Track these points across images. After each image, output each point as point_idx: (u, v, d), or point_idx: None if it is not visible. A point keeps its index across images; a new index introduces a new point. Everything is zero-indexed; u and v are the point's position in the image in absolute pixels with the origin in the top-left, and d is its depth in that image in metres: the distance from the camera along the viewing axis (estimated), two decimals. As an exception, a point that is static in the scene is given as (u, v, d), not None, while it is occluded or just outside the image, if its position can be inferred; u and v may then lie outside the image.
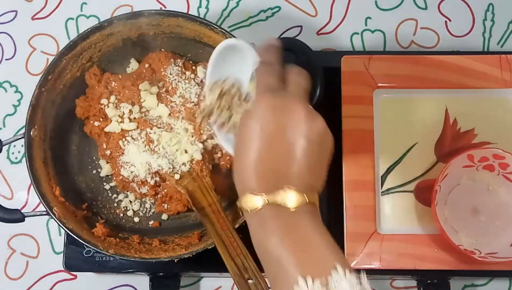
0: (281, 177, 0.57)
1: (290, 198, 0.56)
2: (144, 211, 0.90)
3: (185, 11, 1.01)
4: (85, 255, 0.88)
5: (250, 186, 0.57)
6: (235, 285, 0.75)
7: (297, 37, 0.98)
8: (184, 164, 0.84)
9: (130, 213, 0.89)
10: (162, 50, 0.90)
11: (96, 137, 0.88)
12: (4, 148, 0.82)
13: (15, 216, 0.79)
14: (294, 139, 0.58)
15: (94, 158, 0.91)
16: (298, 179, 0.57)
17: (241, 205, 0.58)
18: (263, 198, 0.56)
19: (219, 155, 0.87)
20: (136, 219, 0.89)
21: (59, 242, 0.94)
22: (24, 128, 0.81)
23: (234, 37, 0.82)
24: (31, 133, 0.81)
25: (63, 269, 0.90)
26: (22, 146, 0.94)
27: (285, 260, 0.54)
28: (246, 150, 0.58)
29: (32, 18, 1.03)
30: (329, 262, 0.53)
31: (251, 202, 0.57)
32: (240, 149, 0.60)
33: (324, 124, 0.60)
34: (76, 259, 0.89)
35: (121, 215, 0.89)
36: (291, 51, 0.79)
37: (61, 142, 0.88)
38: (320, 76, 0.78)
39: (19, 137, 0.81)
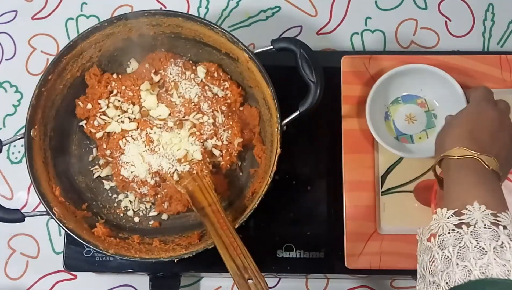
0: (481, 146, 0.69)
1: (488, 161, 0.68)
2: (144, 211, 0.90)
3: (185, 11, 1.01)
4: (85, 255, 0.88)
5: (464, 144, 0.69)
6: (235, 285, 0.75)
7: (297, 37, 0.98)
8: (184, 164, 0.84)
9: (130, 213, 0.89)
10: (162, 50, 0.90)
11: (96, 137, 0.88)
12: (4, 148, 0.82)
13: (15, 216, 0.79)
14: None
15: (94, 158, 0.91)
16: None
17: (449, 154, 0.69)
18: (472, 153, 0.68)
19: (218, 155, 0.87)
20: (136, 219, 0.89)
21: (59, 242, 0.94)
22: (24, 128, 0.81)
23: (234, 36, 0.82)
24: (31, 133, 0.81)
25: (63, 269, 0.90)
26: (22, 146, 0.94)
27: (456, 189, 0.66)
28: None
29: (32, 18, 1.03)
30: (471, 199, 0.62)
31: (461, 152, 0.68)
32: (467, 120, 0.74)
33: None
34: (76, 259, 0.89)
35: (121, 215, 0.89)
36: (291, 51, 0.79)
37: (61, 142, 0.88)
38: (320, 76, 0.78)
39: (19, 137, 0.82)
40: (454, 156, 0.69)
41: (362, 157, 0.86)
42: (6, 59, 1.02)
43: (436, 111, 0.87)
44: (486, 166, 0.67)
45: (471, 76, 0.88)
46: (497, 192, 0.66)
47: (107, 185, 0.90)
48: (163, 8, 1.02)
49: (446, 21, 1.00)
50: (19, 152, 0.98)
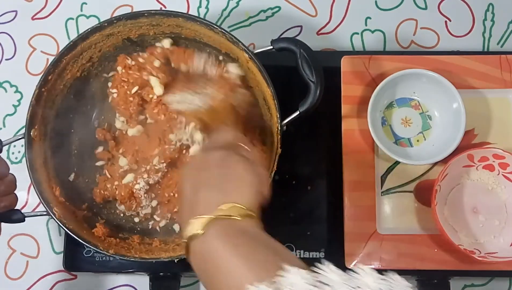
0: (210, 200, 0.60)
1: (230, 210, 0.59)
2: (143, 211, 0.89)
3: (185, 11, 1.01)
4: (85, 255, 0.89)
5: (194, 213, 0.59)
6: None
7: (297, 37, 0.98)
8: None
9: (130, 213, 0.89)
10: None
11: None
12: (4, 148, 0.82)
13: (15, 216, 0.79)
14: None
15: (94, 158, 0.91)
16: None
17: (187, 233, 0.59)
18: (207, 216, 0.58)
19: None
20: (137, 219, 0.89)
21: (59, 242, 0.94)
22: (24, 128, 0.81)
23: (234, 36, 0.82)
24: (31, 133, 0.81)
25: (63, 269, 0.90)
26: (22, 146, 0.94)
27: (229, 275, 0.54)
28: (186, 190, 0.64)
29: (32, 18, 1.03)
30: (276, 264, 0.52)
31: (197, 224, 0.58)
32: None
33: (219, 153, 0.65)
34: (76, 259, 0.89)
35: (121, 215, 0.89)
36: (291, 51, 0.79)
37: (61, 142, 0.88)
38: (320, 76, 0.78)
39: (19, 137, 0.81)
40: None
41: (362, 157, 0.87)
42: (6, 59, 1.02)
43: (430, 112, 0.88)
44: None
45: (471, 76, 0.88)
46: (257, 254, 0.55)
47: (107, 185, 0.90)
48: (163, 8, 1.02)
49: (446, 21, 1.00)
50: (19, 152, 0.98)
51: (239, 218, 0.59)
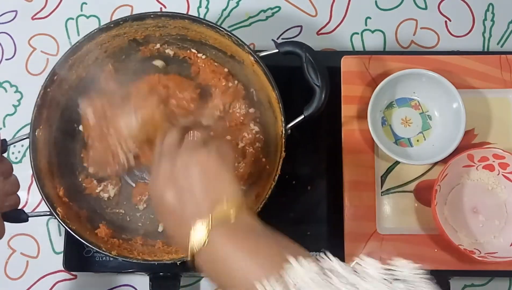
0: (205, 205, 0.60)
1: (220, 215, 0.59)
2: (147, 213, 0.89)
3: (185, 11, 1.01)
4: (85, 255, 0.89)
5: (187, 220, 0.60)
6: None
7: (297, 37, 0.98)
8: None
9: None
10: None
11: None
12: (5, 148, 0.82)
13: (19, 216, 0.79)
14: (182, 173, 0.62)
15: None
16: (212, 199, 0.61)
17: (194, 241, 0.59)
18: (205, 224, 0.58)
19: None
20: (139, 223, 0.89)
21: (59, 242, 0.94)
22: (24, 128, 0.81)
23: (240, 39, 0.82)
24: (36, 133, 0.81)
25: (63, 269, 0.90)
26: (22, 146, 0.95)
27: (238, 273, 0.56)
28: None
29: (32, 18, 1.03)
30: (281, 256, 0.54)
31: (200, 230, 0.58)
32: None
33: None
34: (76, 259, 0.89)
35: (125, 216, 0.89)
36: (297, 54, 0.79)
37: (66, 142, 0.88)
38: (326, 80, 0.77)
39: (24, 137, 0.81)
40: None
41: (362, 157, 0.87)
42: (6, 59, 1.02)
43: (430, 112, 0.88)
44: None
45: (471, 76, 0.88)
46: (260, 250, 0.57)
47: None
48: (163, 8, 1.02)
49: (446, 21, 1.00)
50: (19, 152, 0.98)
51: (234, 215, 0.59)
